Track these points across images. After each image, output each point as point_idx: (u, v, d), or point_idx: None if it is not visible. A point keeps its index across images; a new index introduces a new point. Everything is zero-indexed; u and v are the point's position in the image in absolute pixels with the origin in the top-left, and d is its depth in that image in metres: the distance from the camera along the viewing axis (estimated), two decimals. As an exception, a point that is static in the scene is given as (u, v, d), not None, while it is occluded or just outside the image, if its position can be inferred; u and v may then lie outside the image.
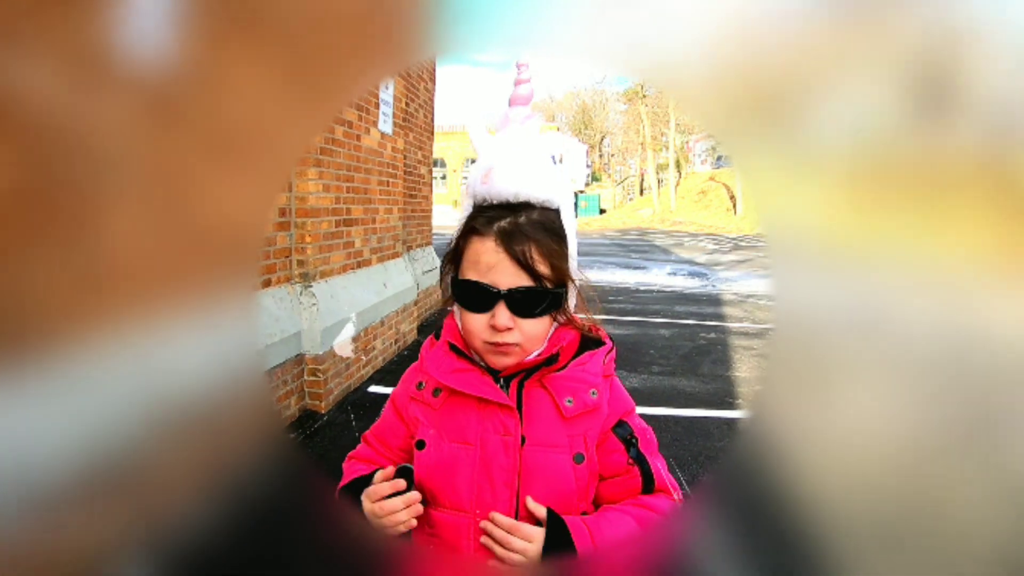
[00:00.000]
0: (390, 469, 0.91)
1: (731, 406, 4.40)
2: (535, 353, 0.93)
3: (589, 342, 0.98)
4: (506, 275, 0.87)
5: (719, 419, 4.14)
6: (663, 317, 7.49)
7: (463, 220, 0.94)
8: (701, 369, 5.31)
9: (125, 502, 0.54)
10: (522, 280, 0.87)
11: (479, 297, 0.88)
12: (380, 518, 0.88)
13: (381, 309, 5.02)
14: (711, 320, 7.41)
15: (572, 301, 0.96)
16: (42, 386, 0.50)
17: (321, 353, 3.97)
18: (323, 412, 4.00)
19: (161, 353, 0.57)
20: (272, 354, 3.53)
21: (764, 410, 0.74)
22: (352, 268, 4.64)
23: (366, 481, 0.92)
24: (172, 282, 0.58)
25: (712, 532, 0.73)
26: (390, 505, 0.88)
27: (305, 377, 3.99)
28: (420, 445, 0.93)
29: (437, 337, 1.00)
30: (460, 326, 0.96)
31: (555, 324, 0.96)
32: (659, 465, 0.98)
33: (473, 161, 0.97)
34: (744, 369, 5.33)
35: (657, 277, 11.48)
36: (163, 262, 0.57)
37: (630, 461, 0.95)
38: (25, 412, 0.50)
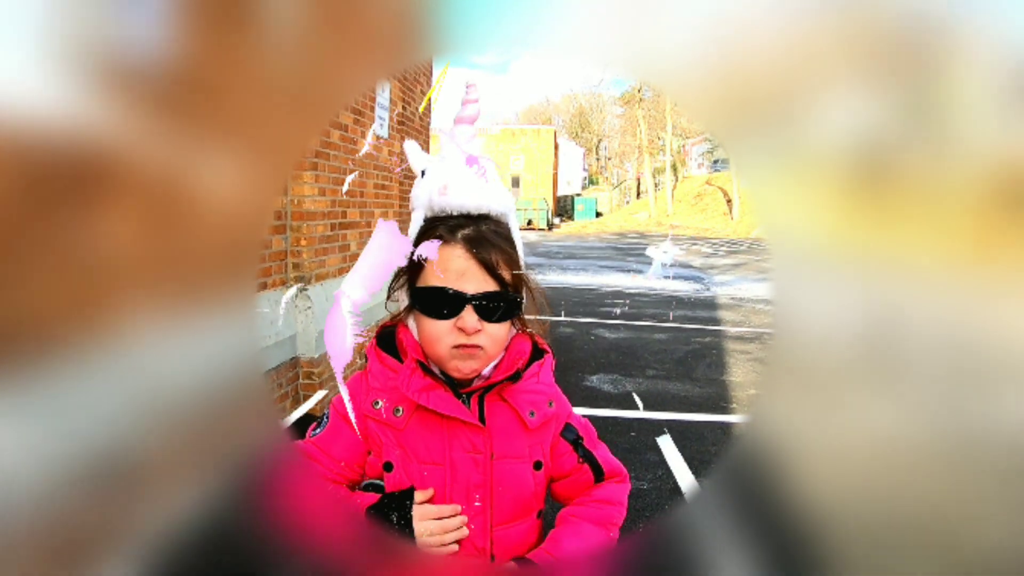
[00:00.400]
0: (430, 491, 0.92)
1: (725, 410, 4.41)
2: (493, 364, 0.97)
3: (536, 352, 1.03)
4: (475, 281, 0.90)
5: (713, 423, 4.15)
6: (658, 321, 7.50)
7: (417, 231, 0.97)
8: (696, 373, 5.32)
9: (124, 504, 0.54)
10: (489, 285, 0.91)
11: (445, 303, 0.90)
12: (436, 536, 0.89)
13: (376, 312, 5.02)
14: (706, 324, 7.42)
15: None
16: (40, 390, 0.50)
17: (316, 356, 3.96)
18: (318, 415, 3.99)
19: (161, 355, 0.57)
20: (267, 357, 3.53)
21: (762, 414, 0.75)
22: (348, 271, 4.64)
23: (388, 501, 0.92)
24: (171, 284, 0.58)
25: (711, 535, 0.74)
26: (451, 523, 0.90)
27: (300, 380, 3.99)
28: (388, 467, 0.94)
29: (383, 347, 1.00)
30: (418, 337, 0.97)
31: (513, 330, 1.00)
32: (604, 454, 1.05)
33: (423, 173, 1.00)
34: (739, 373, 5.34)
35: (652, 281, 11.48)
36: (161, 264, 0.57)
37: (580, 460, 1.02)
38: (23, 416, 0.50)
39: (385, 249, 0.94)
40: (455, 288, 0.90)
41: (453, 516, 0.91)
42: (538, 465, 0.98)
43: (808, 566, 0.61)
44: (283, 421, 3.71)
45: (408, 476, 0.93)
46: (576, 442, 1.02)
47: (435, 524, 0.89)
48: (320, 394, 3.97)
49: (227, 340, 0.65)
